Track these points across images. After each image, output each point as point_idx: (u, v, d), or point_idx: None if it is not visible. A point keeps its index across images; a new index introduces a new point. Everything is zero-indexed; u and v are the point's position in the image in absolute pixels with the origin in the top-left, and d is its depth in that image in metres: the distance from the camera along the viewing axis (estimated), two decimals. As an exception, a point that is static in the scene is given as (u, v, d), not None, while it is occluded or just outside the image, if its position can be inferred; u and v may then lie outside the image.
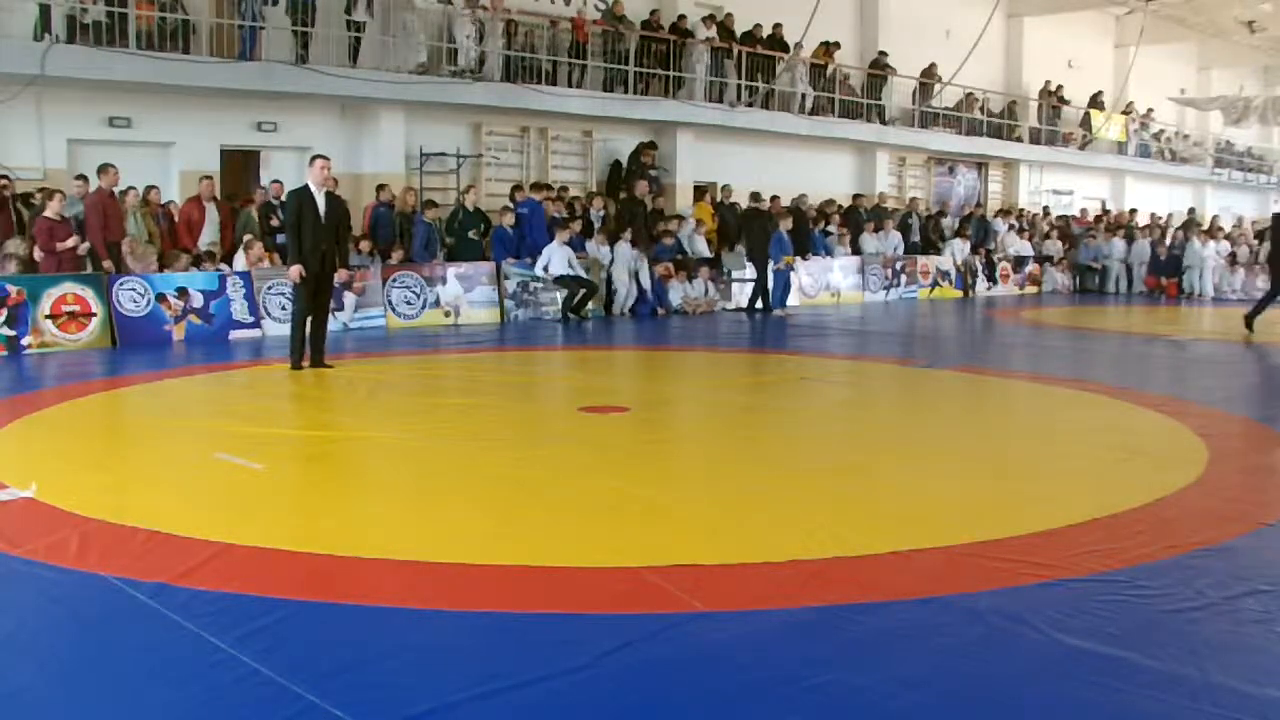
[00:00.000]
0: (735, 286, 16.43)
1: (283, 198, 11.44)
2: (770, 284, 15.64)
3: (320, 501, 5.33)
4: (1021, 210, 23.49)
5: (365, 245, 13.22)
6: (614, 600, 3.79)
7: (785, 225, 16.31)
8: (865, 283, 18.35)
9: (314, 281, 9.24)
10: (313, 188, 9.16)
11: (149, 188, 12.37)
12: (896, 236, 19.37)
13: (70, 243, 10.98)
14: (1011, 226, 21.50)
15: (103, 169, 11.36)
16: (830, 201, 19.41)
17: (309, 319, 9.38)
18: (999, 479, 5.86)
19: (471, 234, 14.10)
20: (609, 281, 14.84)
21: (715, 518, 4.85)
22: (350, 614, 3.67)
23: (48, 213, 10.89)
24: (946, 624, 3.59)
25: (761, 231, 15.68)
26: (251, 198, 13.26)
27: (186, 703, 3.00)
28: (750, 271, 16.20)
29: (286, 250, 9.92)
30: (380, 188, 14.02)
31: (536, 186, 15.36)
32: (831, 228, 18.60)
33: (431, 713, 2.91)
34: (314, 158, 9.40)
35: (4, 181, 11.44)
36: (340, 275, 9.63)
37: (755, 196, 17.45)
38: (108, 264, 11.16)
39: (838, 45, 20.47)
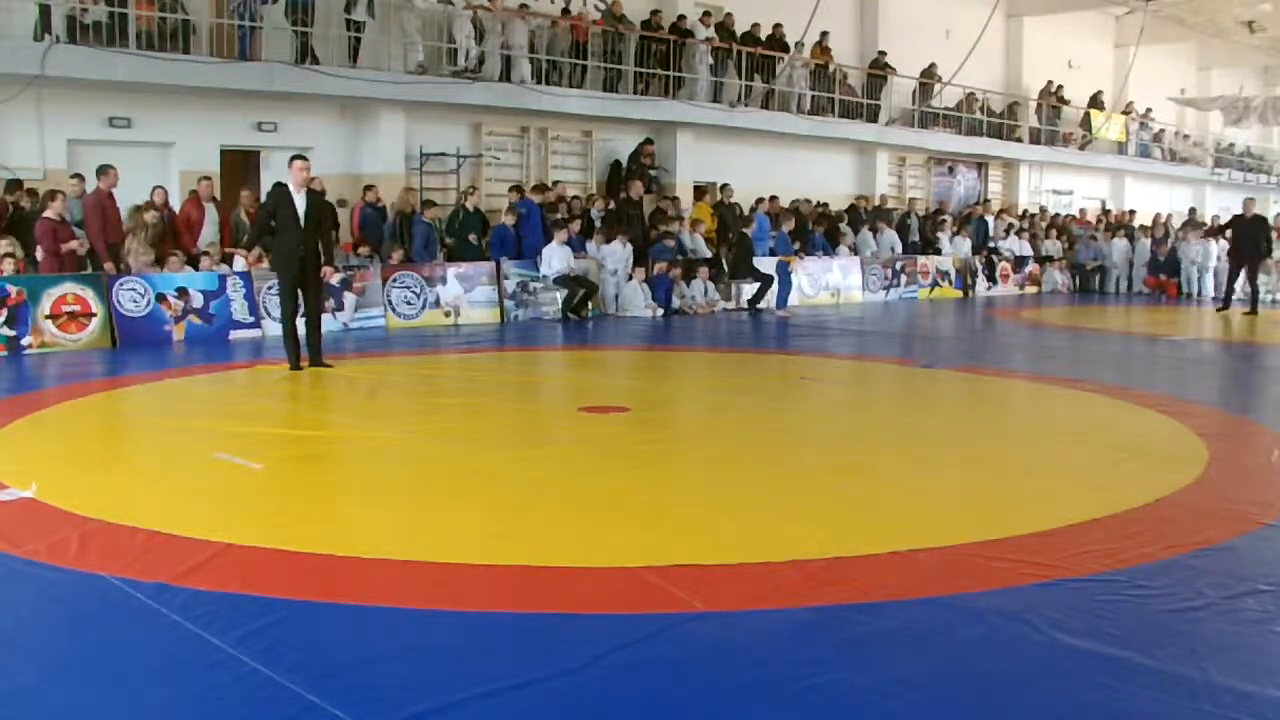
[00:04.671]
0: (735, 287, 16.42)
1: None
2: (776, 284, 15.66)
3: (320, 501, 5.34)
4: (1024, 212, 23.50)
5: (364, 250, 13.24)
6: (614, 600, 3.80)
7: (787, 226, 16.31)
8: (865, 283, 18.35)
9: (295, 281, 9.18)
10: (291, 188, 9.08)
11: (155, 188, 12.38)
12: (893, 236, 19.36)
13: (74, 244, 10.98)
14: (1010, 226, 21.49)
15: (103, 170, 11.36)
16: (824, 205, 19.39)
17: (304, 319, 9.37)
18: (999, 479, 5.86)
19: (471, 237, 14.10)
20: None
21: (715, 518, 4.85)
22: (350, 614, 3.67)
23: (49, 213, 10.89)
24: (946, 624, 3.59)
25: (744, 249, 15.65)
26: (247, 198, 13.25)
27: (186, 703, 3.00)
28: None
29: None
30: (368, 188, 13.99)
31: (537, 189, 15.38)
32: (844, 226, 18.64)
33: (431, 713, 2.91)
34: (294, 158, 9.31)
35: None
36: (326, 273, 9.57)
37: (760, 201, 17.49)
38: (108, 265, 11.17)
39: (825, 34, 20.25)
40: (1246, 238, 16.44)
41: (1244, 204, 17.38)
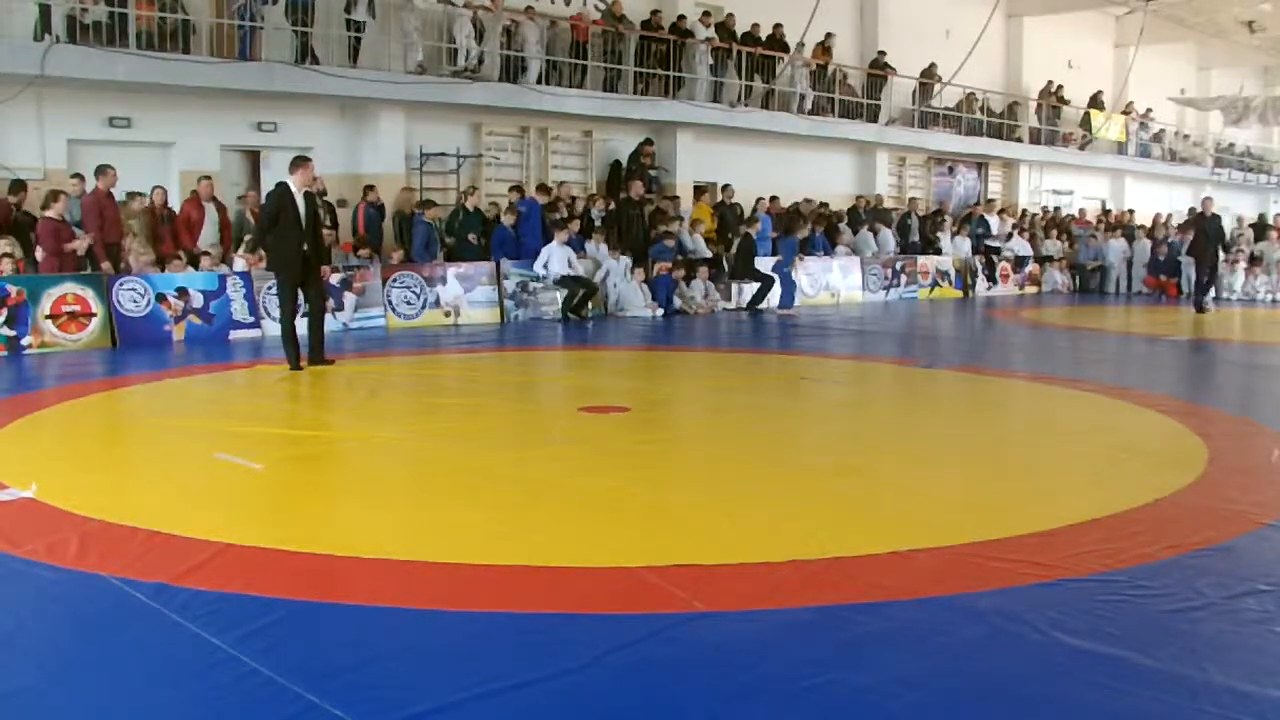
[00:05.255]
0: (735, 287, 16.42)
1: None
2: (778, 285, 15.66)
3: (320, 501, 5.34)
4: (1023, 211, 23.50)
5: (365, 252, 13.24)
6: (614, 600, 3.79)
7: (801, 233, 16.29)
8: (865, 283, 18.35)
9: (296, 281, 9.21)
10: (293, 188, 9.09)
11: (155, 188, 12.37)
12: (888, 237, 19.35)
13: (76, 243, 10.98)
14: (1016, 226, 21.49)
15: (101, 170, 11.36)
16: (824, 205, 19.40)
17: (306, 318, 9.39)
18: (999, 479, 5.86)
19: (471, 237, 14.10)
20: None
21: (715, 518, 4.85)
22: (350, 614, 3.67)
23: (50, 213, 10.88)
24: (946, 624, 3.59)
25: (746, 249, 15.65)
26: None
27: (186, 703, 3.00)
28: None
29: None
30: (368, 188, 14.01)
31: (541, 189, 15.38)
32: (842, 226, 18.66)
33: (431, 713, 2.91)
34: (303, 159, 9.30)
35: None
36: (324, 273, 9.68)
37: (760, 200, 17.46)
38: (106, 265, 11.16)
39: (831, 35, 20.35)
40: (1206, 236, 16.54)
41: (1203, 202, 17.54)
